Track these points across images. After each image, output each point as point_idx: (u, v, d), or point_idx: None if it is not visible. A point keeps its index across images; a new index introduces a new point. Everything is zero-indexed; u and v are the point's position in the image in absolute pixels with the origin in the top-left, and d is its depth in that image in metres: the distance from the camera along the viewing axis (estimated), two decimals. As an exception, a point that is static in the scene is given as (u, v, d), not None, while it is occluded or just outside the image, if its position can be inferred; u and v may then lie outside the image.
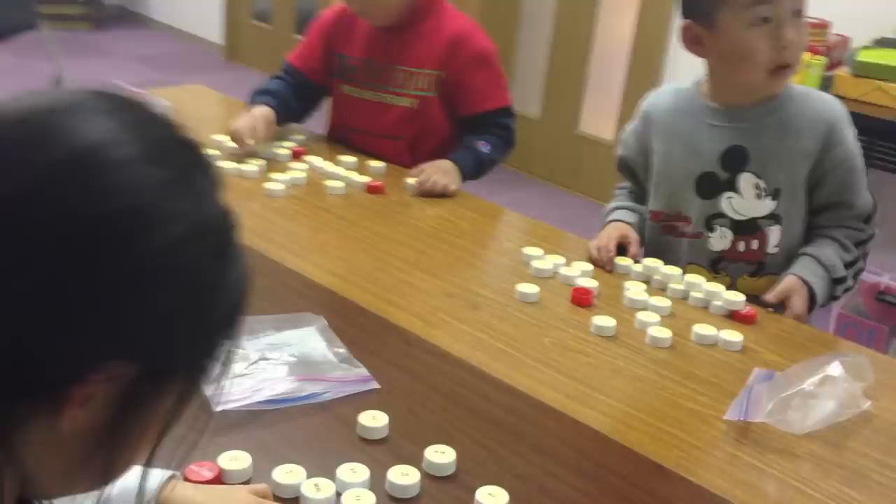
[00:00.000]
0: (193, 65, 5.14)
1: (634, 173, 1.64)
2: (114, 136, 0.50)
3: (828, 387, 1.07)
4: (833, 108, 1.49)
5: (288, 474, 0.94)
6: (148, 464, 0.59)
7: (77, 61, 4.76)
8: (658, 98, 1.59)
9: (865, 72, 2.52)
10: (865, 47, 2.64)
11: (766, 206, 1.48)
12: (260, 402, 1.05)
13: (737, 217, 1.49)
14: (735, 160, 1.49)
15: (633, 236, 1.55)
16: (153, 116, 0.54)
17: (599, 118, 3.89)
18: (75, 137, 0.48)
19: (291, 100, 1.97)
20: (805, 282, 1.43)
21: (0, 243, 0.46)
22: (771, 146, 1.47)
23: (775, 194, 1.48)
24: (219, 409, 1.03)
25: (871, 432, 1.10)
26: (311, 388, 1.09)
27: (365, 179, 1.78)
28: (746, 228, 1.49)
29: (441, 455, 0.98)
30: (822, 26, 2.69)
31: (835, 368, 1.08)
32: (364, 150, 1.92)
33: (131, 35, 5.67)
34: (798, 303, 1.41)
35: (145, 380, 0.51)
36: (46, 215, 0.47)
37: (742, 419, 1.08)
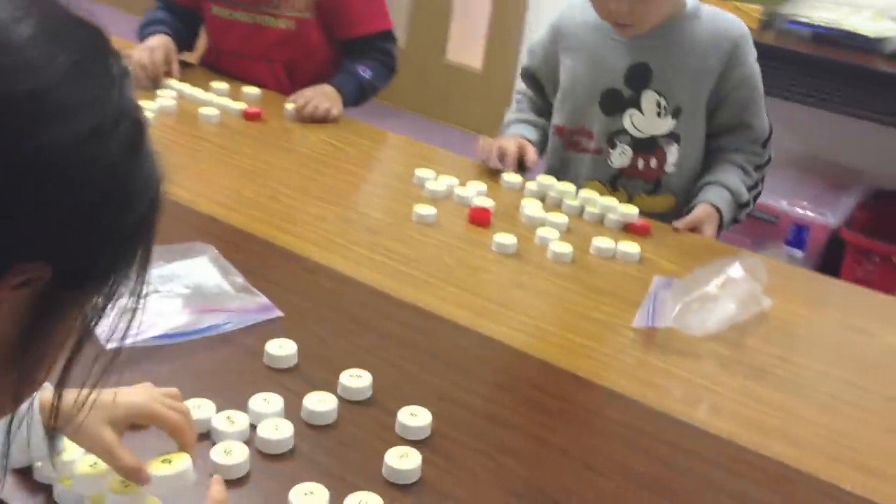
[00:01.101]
0: None
1: (539, 85, 1.63)
2: (7, 16, 0.43)
3: (729, 288, 1.10)
4: (737, 27, 1.50)
5: (197, 409, 0.88)
6: (62, 382, 0.53)
7: None
8: (569, 11, 1.57)
9: (724, -9, 2.59)
10: (724, -32, 2.71)
11: (667, 124, 1.49)
12: (157, 337, 0.98)
13: (637, 134, 1.50)
14: (639, 77, 1.49)
15: (531, 157, 1.54)
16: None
17: (467, 46, 3.85)
18: None
19: (180, 28, 1.86)
20: (717, 209, 1.46)
21: None
22: (675, 64, 1.47)
23: (676, 113, 1.49)
24: (110, 346, 0.95)
25: (767, 330, 1.14)
26: (210, 320, 1.02)
27: (241, 106, 1.69)
28: (646, 146, 1.50)
29: (356, 379, 0.95)
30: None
31: (735, 270, 1.11)
32: (239, 76, 1.82)
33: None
34: (709, 230, 1.44)
35: (60, 283, 0.47)
36: None
37: (649, 325, 1.09)
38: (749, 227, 2.70)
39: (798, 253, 2.67)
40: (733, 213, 1.49)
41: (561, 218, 1.38)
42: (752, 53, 1.50)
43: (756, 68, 1.50)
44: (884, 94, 2.45)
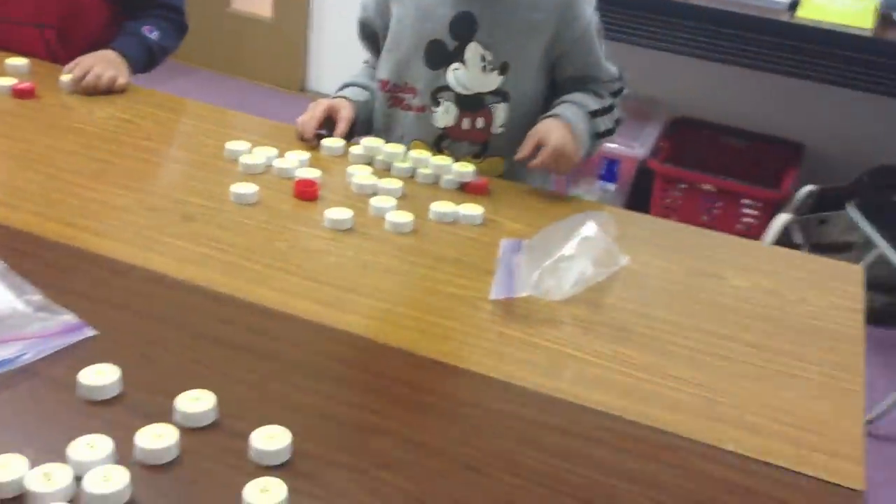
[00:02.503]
0: None
1: (376, 38, 1.49)
2: None
3: (585, 248, 1.05)
4: None
5: (3, 468, 0.72)
6: None
7: None
8: None
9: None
10: None
11: (493, 80, 1.39)
12: (-63, 385, 0.80)
13: (462, 91, 1.40)
14: (463, 27, 1.38)
15: (344, 113, 1.42)
16: None
17: (254, -6, 3.62)
18: None
19: None
20: (557, 117, 1.36)
21: None
22: (501, 15, 1.37)
23: (503, 69, 1.39)
24: None
25: (625, 287, 1.11)
26: (3, 353, 0.85)
27: (9, 82, 1.45)
28: (471, 104, 1.40)
29: (196, 402, 0.82)
30: None
31: (589, 228, 1.06)
32: (4, 45, 1.56)
33: None
34: (555, 138, 1.33)
35: None
36: None
37: (508, 296, 1.03)
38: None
39: (611, 186, 2.73)
40: (587, 123, 1.39)
41: (394, 184, 1.28)
42: (587, 6, 1.42)
43: (594, 18, 1.43)
44: (677, 24, 2.51)
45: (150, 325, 0.94)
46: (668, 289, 1.12)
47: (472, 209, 1.24)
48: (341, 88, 1.49)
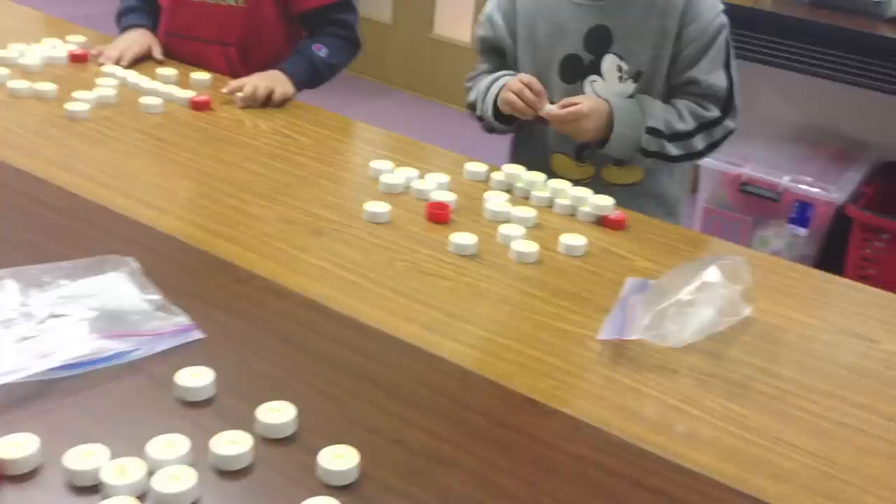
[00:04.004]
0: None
1: (501, 52, 1.50)
2: None
3: (706, 294, 0.97)
4: None
5: (86, 457, 0.76)
6: None
7: None
8: None
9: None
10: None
11: (628, 89, 1.40)
12: (51, 370, 0.86)
13: None
14: (599, 41, 1.40)
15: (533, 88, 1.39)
16: None
17: (454, 20, 3.70)
18: None
19: (154, 11, 1.76)
20: (608, 103, 1.36)
21: None
22: (634, 26, 1.38)
23: (637, 77, 1.40)
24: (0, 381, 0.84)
25: (751, 338, 1.01)
26: (117, 346, 0.91)
27: (188, 94, 1.56)
28: None
29: (277, 413, 0.83)
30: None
31: (712, 274, 0.98)
32: (192, 61, 1.69)
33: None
34: (586, 106, 1.34)
35: None
36: None
37: (617, 337, 0.97)
38: (749, 204, 2.57)
39: (802, 231, 2.53)
40: (635, 131, 1.36)
41: (528, 212, 1.25)
42: (708, 10, 1.38)
43: (716, 23, 1.38)
44: (887, 62, 2.30)
45: (255, 332, 0.97)
46: (802, 346, 1.02)
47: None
48: (496, 80, 1.48)
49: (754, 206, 2.57)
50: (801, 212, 2.54)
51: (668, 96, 1.42)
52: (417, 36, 3.79)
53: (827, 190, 2.50)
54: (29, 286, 0.96)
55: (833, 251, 2.49)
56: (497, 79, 1.47)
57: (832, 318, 1.08)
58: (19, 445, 0.76)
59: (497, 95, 1.44)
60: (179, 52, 1.72)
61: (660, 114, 1.37)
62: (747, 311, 1.00)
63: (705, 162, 2.47)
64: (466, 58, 3.79)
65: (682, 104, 1.40)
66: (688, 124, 1.39)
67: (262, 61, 1.67)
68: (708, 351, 0.98)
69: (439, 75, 3.76)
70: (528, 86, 1.37)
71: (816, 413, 0.90)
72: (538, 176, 1.34)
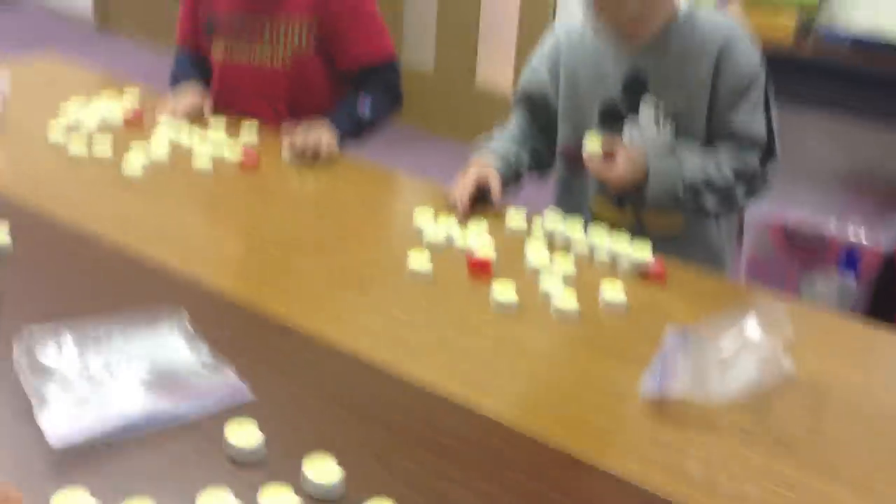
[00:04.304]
0: (61, 38, 4.78)
1: (542, 102, 1.53)
2: None
3: (747, 350, 0.97)
4: (725, 30, 1.40)
5: (135, 515, 0.78)
6: None
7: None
8: (565, 27, 1.52)
9: (756, 3, 2.45)
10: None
11: (667, 134, 1.42)
12: (106, 430, 0.89)
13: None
14: (636, 87, 1.43)
15: (494, 183, 1.44)
16: None
17: (496, 69, 3.76)
18: None
19: (202, 73, 1.84)
20: (647, 160, 1.38)
21: None
22: (670, 73, 1.41)
23: (674, 123, 1.42)
24: (57, 443, 0.87)
25: (796, 394, 1.01)
26: (169, 406, 0.93)
27: (237, 151, 1.61)
28: None
29: (322, 469, 0.85)
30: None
31: (752, 329, 0.98)
32: (241, 118, 1.74)
33: (-7, 9, 5.24)
34: (619, 168, 1.37)
35: None
36: None
37: (659, 394, 0.97)
38: (796, 251, 2.54)
39: (851, 278, 2.50)
40: (671, 184, 1.37)
41: (568, 265, 1.26)
42: (744, 56, 1.39)
43: (749, 71, 1.39)
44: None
45: (302, 389, 0.99)
46: (852, 403, 1.01)
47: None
48: (482, 150, 1.52)
49: (801, 253, 2.54)
50: (849, 258, 2.51)
51: (707, 143, 1.43)
52: (459, 85, 3.84)
53: (875, 236, 2.47)
54: (86, 343, 1.00)
55: (883, 298, 2.45)
56: (486, 149, 1.52)
57: (880, 371, 1.07)
58: (74, 501, 0.79)
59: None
60: (230, 110, 1.78)
61: (697, 164, 1.38)
62: (789, 365, 0.99)
63: (749, 208, 2.46)
64: (507, 107, 3.84)
65: (722, 153, 1.41)
66: (727, 174, 1.39)
67: (308, 115, 1.72)
68: (751, 407, 0.98)
69: (481, 124, 3.80)
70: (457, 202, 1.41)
71: (866, 472, 0.89)
72: (578, 226, 1.35)
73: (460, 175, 1.46)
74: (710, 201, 1.40)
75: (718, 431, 0.95)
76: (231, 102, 1.79)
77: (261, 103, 1.76)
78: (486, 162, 1.48)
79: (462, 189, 1.42)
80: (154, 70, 2.58)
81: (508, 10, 3.60)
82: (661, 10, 1.38)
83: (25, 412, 0.90)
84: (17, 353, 0.98)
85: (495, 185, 1.43)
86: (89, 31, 4.97)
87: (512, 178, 1.51)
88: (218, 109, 1.78)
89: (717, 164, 1.40)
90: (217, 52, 1.79)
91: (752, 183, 1.41)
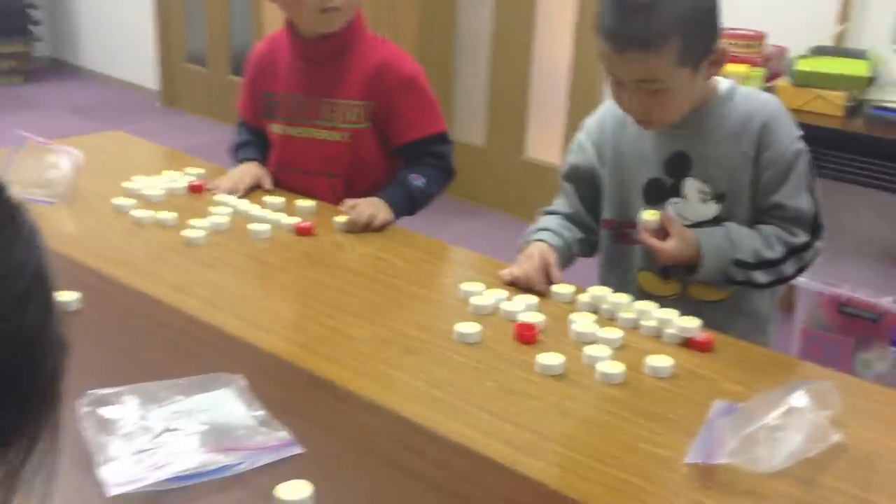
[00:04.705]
0: (130, 112, 5.00)
1: (590, 177, 1.56)
2: None
3: (793, 419, 0.97)
4: (766, 107, 1.43)
5: (192, 566, 0.81)
6: None
7: (9, 115, 4.61)
8: (609, 105, 1.54)
9: (805, 81, 2.49)
10: (803, 56, 2.61)
11: (711, 209, 1.44)
12: (165, 481, 0.93)
13: (684, 222, 1.43)
14: (678, 166, 1.46)
15: (554, 262, 1.46)
16: None
17: (545, 142, 3.83)
18: None
19: (263, 146, 1.91)
20: (699, 239, 1.39)
21: None
22: (711, 150, 1.43)
23: (720, 198, 1.44)
24: (116, 492, 0.90)
25: (845, 464, 1.00)
26: (223, 460, 0.97)
27: (293, 221, 1.67)
28: None
29: (371, 528, 0.87)
30: (758, 38, 2.66)
31: (799, 399, 0.99)
32: (299, 192, 1.81)
33: (65, 86, 5.52)
34: (670, 243, 1.39)
35: None
36: None
37: (705, 461, 0.98)
38: (849, 325, 2.51)
39: (905, 355, 2.45)
40: (723, 263, 1.39)
41: (614, 333, 1.28)
42: (784, 134, 1.41)
43: (793, 148, 1.41)
44: None
45: (351, 449, 1.02)
46: (897, 474, 1.00)
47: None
48: (539, 231, 1.54)
49: (854, 327, 2.51)
50: (904, 334, 2.47)
51: (753, 220, 1.45)
52: (509, 159, 3.92)
53: (930, 310, 2.43)
54: (148, 401, 1.04)
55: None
56: (539, 230, 1.54)
57: (929, 444, 1.06)
58: (133, 551, 0.82)
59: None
60: (289, 182, 1.85)
61: (747, 242, 1.40)
62: (836, 436, 0.99)
63: (802, 282, 2.45)
64: (555, 180, 3.90)
65: (770, 230, 1.42)
66: (777, 252, 1.41)
67: (364, 191, 1.77)
68: (799, 477, 0.98)
69: (529, 196, 3.86)
70: (536, 268, 1.43)
71: (913, 544, 0.89)
72: (624, 297, 1.37)
73: (522, 256, 1.48)
74: (760, 277, 1.41)
75: (765, 499, 0.95)
76: (289, 177, 1.86)
77: (318, 178, 1.82)
78: (544, 242, 1.50)
79: (531, 269, 1.43)
80: (215, 144, 2.70)
81: (557, 85, 3.68)
82: (687, 97, 1.39)
83: (86, 463, 0.94)
84: (81, 407, 1.03)
85: (555, 265, 1.46)
86: (154, 104, 5.20)
87: (567, 257, 1.53)
88: (276, 183, 1.86)
89: (766, 241, 1.41)
90: (275, 129, 1.87)
91: (802, 258, 1.43)
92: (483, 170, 3.94)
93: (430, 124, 1.82)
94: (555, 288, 1.43)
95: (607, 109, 1.55)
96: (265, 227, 1.64)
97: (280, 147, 1.87)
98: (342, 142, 1.80)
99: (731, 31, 2.50)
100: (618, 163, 1.52)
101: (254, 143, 1.92)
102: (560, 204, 1.60)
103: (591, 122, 1.58)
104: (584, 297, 1.40)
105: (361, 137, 1.80)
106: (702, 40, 1.35)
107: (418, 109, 1.80)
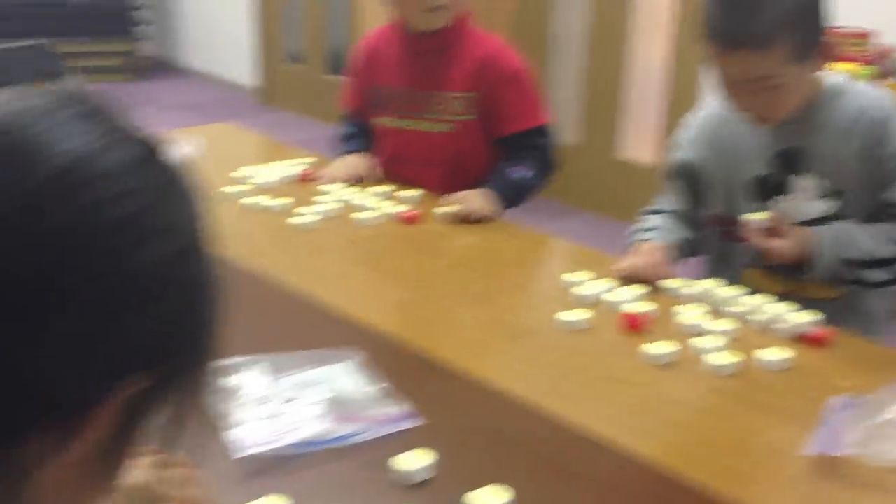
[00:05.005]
0: (231, 109, 5.16)
1: (694, 176, 1.55)
2: (98, 143, 0.46)
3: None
4: (879, 103, 1.40)
5: (319, 526, 0.85)
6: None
7: (114, 111, 4.81)
8: (714, 101, 1.53)
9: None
10: (915, 55, 2.53)
11: (821, 207, 1.42)
12: (289, 446, 0.97)
13: (792, 220, 1.41)
14: (788, 162, 1.43)
15: (663, 258, 1.46)
16: (125, 122, 0.50)
17: (639, 141, 3.79)
18: (59, 148, 0.45)
19: (368, 138, 1.96)
20: (811, 237, 1.37)
21: (4, 269, 0.42)
22: (822, 146, 1.41)
23: (831, 194, 1.42)
24: (244, 454, 0.95)
25: (970, 463, 0.98)
26: (345, 429, 1.00)
27: (398, 209, 1.71)
28: None
29: (490, 498, 0.89)
30: (863, 36, 2.58)
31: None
32: (405, 181, 1.85)
33: (169, 84, 5.73)
34: (781, 242, 1.36)
35: (149, 391, 0.48)
36: (48, 235, 0.43)
37: (826, 452, 0.97)
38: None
39: None
40: (837, 260, 1.36)
41: (724, 326, 1.27)
42: None
43: None
44: None
45: (464, 425, 1.04)
46: None
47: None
48: (643, 231, 1.54)
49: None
50: None
51: (865, 217, 1.41)
52: (601, 158, 3.90)
53: None
54: (273, 371, 1.09)
55: None
56: (646, 229, 1.53)
57: None
58: (264, 509, 0.86)
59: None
60: (396, 173, 1.89)
61: (861, 240, 1.37)
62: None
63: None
64: (649, 179, 3.85)
65: (883, 228, 1.39)
66: (891, 250, 1.38)
67: (469, 181, 1.80)
68: (922, 472, 0.96)
69: (623, 196, 3.84)
70: (652, 265, 1.42)
71: None
72: (735, 290, 1.36)
73: (632, 252, 1.48)
74: (873, 276, 1.38)
75: (888, 493, 0.93)
76: (395, 168, 1.90)
77: (424, 170, 1.86)
78: (654, 239, 1.50)
79: (643, 265, 1.43)
80: (313, 140, 2.77)
81: (652, 84, 3.65)
82: (798, 92, 1.37)
83: (215, 426, 0.99)
84: (213, 375, 1.08)
85: (667, 262, 1.46)
86: (254, 102, 5.35)
87: (675, 255, 1.53)
88: (384, 174, 1.90)
89: (879, 239, 1.38)
90: (383, 122, 1.91)
91: None
92: (575, 169, 3.92)
93: (532, 116, 1.83)
94: (664, 281, 1.42)
95: (711, 106, 1.54)
96: (371, 215, 1.68)
97: (388, 139, 1.91)
98: (448, 133, 1.83)
99: (837, 30, 2.44)
100: (723, 159, 1.50)
101: (359, 135, 1.97)
102: (665, 202, 1.60)
103: (695, 118, 1.58)
104: (693, 290, 1.39)
105: (467, 129, 1.82)
106: (810, 34, 1.33)
107: (521, 102, 1.82)
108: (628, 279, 1.42)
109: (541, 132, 1.84)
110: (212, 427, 0.98)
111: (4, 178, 0.43)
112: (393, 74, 1.87)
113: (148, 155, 0.49)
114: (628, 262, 1.44)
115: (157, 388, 0.49)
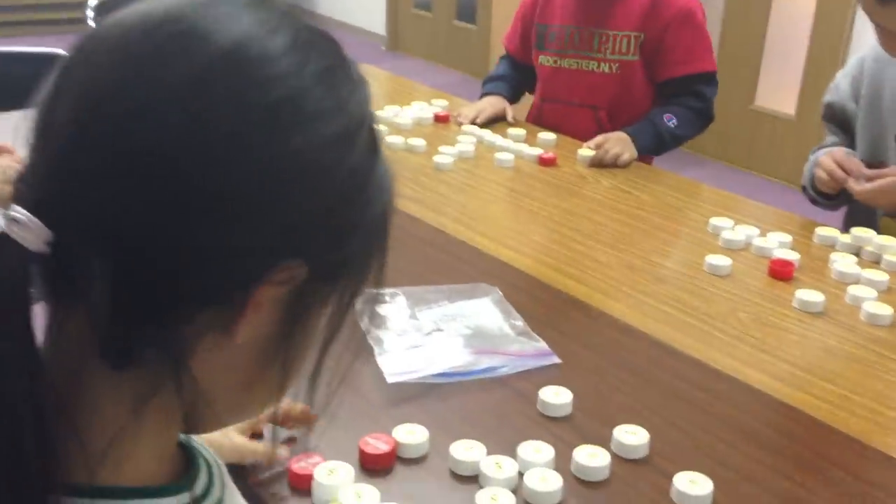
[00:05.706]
0: (358, 55, 5.16)
1: (845, 119, 1.49)
2: (264, 28, 0.47)
3: None
4: None
5: (468, 451, 0.87)
6: (315, 378, 0.53)
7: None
8: (875, 44, 1.44)
9: None
10: None
11: None
12: (435, 375, 0.99)
13: None
14: None
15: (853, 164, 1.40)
16: (292, 8, 0.50)
17: (778, 92, 3.62)
18: (226, 31, 0.46)
19: (520, 80, 1.96)
20: None
21: (173, 143, 0.43)
22: None
23: None
24: (392, 380, 0.98)
25: None
26: (488, 362, 1.02)
27: (536, 151, 1.70)
28: None
29: (632, 436, 0.89)
30: None
31: None
32: (563, 125, 1.83)
33: (299, 31, 5.83)
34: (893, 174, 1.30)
35: (313, 282, 0.48)
36: (214, 110, 0.44)
37: None
38: None
39: None
40: None
41: (880, 275, 1.22)
42: None
43: None
44: None
45: (605, 363, 1.04)
46: None
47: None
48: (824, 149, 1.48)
49: None
50: None
51: None
52: (737, 108, 3.75)
53: None
54: (416, 303, 1.11)
55: None
56: (823, 147, 1.47)
57: None
58: (413, 433, 0.89)
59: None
60: (552, 114, 1.87)
61: None
62: None
63: None
64: (788, 130, 3.68)
65: None
66: None
67: (627, 123, 1.76)
68: None
69: (758, 147, 3.69)
70: (840, 164, 1.35)
71: None
72: (891, 240, 1.29)
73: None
74: None
75: None
76: (554, 108, 1.87)
77: (583, 110, 1.82)
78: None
79: (831, 168, 1.40)
80: (439, 87, 2.76)
81: (797, 35, 3.46)
82: None
83: (366, 355, 1.02)
84: (360, 306, 1.11)
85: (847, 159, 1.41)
86: (381, 49, 5.40)
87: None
88: (539, 116, 1.89)
89: None
90: (544, 61, 1.87)
91: None
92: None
93: (700, 61, 1.77)
94: (818, 230, 1.37)
95: (869, 48, 1.46)
96: (510, 156, 1.67)
97: (547, 79, 1.88)
98: (610, 74, 1.78)
99: None
100: (874, 103, 1.43)
101: (506, 78, 1.95)
102: (829, 143, 1.54)
103: (852, 61, 1.51)
104: (845, 239, 1.33)
105: (630, 70, 1.77)
106: None
107: (690, 44, 1.75)
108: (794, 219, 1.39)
109: (706, 79, 1.78)
110: (361, 349, 1.02)
111: (175, 56, 0.45)
112: (560, 12, 1.83)
113: (312, 38, 0.49)
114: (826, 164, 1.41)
115: (319, 282, 0.48)
